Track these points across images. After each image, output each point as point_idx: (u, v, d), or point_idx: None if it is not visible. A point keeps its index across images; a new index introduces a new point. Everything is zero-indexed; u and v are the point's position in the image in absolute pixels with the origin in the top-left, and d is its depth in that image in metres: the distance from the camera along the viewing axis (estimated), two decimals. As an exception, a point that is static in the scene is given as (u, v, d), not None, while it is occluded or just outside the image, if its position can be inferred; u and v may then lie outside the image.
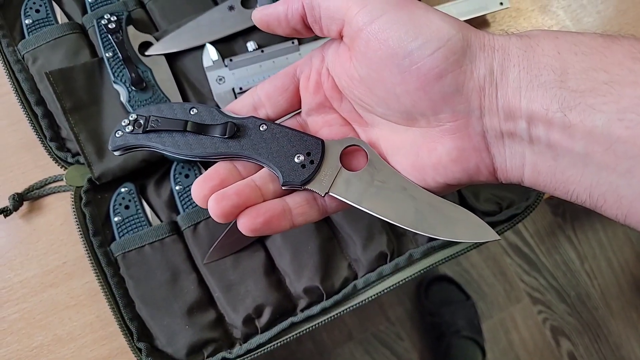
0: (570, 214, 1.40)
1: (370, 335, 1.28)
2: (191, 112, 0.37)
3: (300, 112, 0.39)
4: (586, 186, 0.28)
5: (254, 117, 0.37)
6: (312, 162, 0.35)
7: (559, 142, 0.28)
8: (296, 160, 0.35)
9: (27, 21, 0.56)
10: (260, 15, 0.36)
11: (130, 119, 0.37)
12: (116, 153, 0.38)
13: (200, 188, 0.35)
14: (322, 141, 0.36)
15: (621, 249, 1.40)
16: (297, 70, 0.38)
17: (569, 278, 1.38)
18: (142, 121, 0.37)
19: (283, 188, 0.36)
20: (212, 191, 0.35)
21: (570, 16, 0.64)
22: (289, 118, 0.40)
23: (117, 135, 0.37)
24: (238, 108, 0.38)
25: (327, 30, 0.34)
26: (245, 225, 0.34)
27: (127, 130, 0.37)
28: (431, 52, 0.30)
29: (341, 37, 0.34)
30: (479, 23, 0.63)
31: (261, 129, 0.36)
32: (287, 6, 0.34)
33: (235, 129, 0.36)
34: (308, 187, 0.35)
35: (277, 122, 0.38)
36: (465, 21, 0.58)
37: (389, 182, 0.35)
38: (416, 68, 0.30)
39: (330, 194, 0.35)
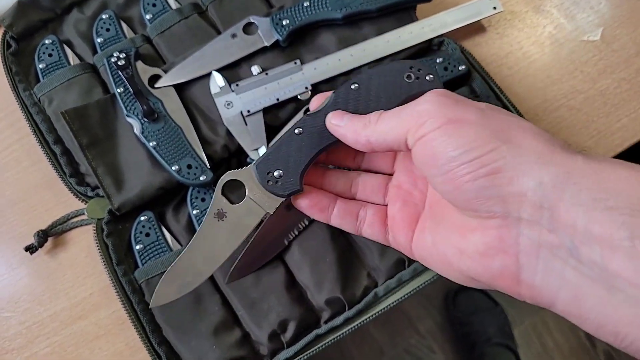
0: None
1: (401, 350, 1.27)
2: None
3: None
4: None
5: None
6: None
7: (619, 272, 0.25)
8: None
9: (41, 65, 0.59)
10: (332, 129, 0.38)
11: None
12: None
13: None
14: None
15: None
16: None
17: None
18: None
19: None
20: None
21: (564, 14, 0.65)
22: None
23: None
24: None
25: (398, 149, 0.36)
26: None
27: None
28: (469, 160, 0.30)
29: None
30: (475, 29, 0.65)
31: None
32: (356, 139, 0.36)
33: None
34: None
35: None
36: (461, 28, 0.60)
37: None
38: (453, 172, 0.31)
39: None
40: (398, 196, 0.40)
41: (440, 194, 0.34)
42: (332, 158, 0.40)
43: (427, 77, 0.38)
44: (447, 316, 1.29)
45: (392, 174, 0.42)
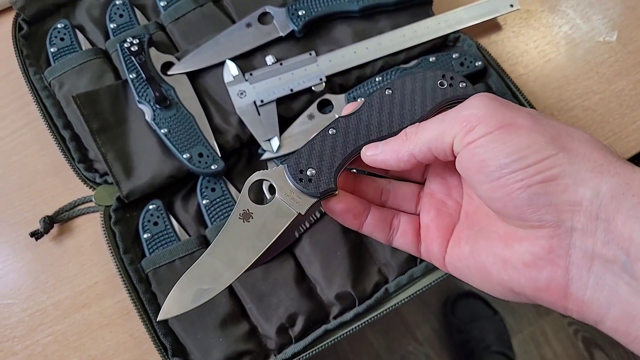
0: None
1: (399, 357, 1.25)
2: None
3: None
4: None
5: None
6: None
7: None
8: None
9: (52, 49, 0.58)
10: (370, 161, 0.37)
11: None
12: None
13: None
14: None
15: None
16: None
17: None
18: None
19: None
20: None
21: (580, 14, 0.65)
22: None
23: None
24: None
25: (444, 158, 0.34)
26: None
27: None
28: (523, 167, 0.29)
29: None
30: (491, 27, 0.64)
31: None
32: (398, 158, 0.35)
33: None
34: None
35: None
36: (477, 25, 0.60)
37: None
38: (504, 179, 0.30)
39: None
40: (431, 205, 0.39)
41: (486, 201, 0.32)
42: (361, 164, 0.39)
43: (460, 84, 0.38)
44: (445, 323, 1.28)
45: (422, 182, 0.41)
